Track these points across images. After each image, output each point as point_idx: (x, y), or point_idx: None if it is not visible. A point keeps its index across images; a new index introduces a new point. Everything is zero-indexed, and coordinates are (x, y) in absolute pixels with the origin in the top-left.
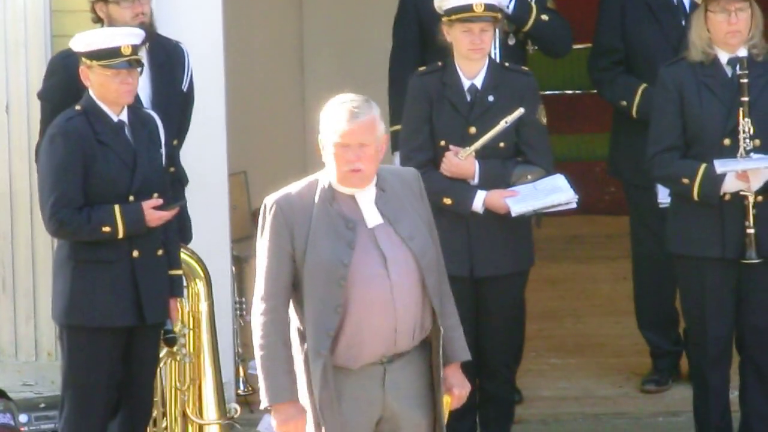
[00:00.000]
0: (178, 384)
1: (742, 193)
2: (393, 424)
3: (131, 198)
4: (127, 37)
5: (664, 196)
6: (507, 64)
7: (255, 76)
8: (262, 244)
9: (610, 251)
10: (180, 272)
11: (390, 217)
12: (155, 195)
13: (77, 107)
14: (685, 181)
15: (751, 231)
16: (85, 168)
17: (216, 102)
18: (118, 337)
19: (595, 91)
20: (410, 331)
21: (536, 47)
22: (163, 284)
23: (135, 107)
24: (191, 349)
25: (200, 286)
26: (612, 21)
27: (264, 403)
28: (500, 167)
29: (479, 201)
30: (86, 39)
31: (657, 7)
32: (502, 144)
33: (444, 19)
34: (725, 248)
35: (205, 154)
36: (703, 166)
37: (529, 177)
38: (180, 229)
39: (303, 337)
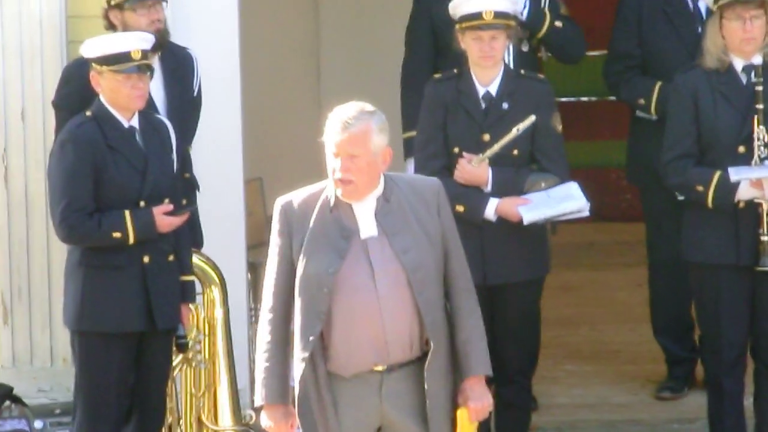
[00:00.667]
0: (193, 390)
1: (756, 200)
2: None
3: (142, 203)
4: (137, 41)
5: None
6: (522, 71)
7: (271, 83)
8: (270, 244)
9: (626, 258)
10: (192, 278)
11: (387, 229)
12: (166, 200)
13: (87, 113)
14: (700, 188)
15: (765, 238)
16: (96, 174)
17: (232, 108)
18: (129, 343)
19: (611, 95)
20: (403, 342)
21: (549, 54)
22: (174, 290)
23: (147, 113)
24: (206, 356)
25: (216, 292)
26: (628, 27)
27: (257, 401)
28: (514, 175)
29: (491, 208)
30: (96, 44)
31: (674, 14)
32: (516, 151)
33: (457, 26)
34: (740, 256)
35: (220, 160)
36: (718, 173)
37: (542, 185)
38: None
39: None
